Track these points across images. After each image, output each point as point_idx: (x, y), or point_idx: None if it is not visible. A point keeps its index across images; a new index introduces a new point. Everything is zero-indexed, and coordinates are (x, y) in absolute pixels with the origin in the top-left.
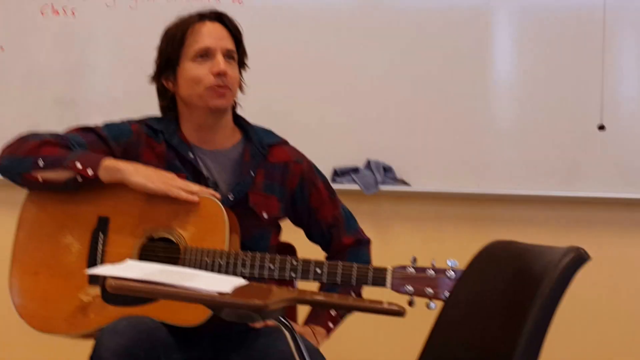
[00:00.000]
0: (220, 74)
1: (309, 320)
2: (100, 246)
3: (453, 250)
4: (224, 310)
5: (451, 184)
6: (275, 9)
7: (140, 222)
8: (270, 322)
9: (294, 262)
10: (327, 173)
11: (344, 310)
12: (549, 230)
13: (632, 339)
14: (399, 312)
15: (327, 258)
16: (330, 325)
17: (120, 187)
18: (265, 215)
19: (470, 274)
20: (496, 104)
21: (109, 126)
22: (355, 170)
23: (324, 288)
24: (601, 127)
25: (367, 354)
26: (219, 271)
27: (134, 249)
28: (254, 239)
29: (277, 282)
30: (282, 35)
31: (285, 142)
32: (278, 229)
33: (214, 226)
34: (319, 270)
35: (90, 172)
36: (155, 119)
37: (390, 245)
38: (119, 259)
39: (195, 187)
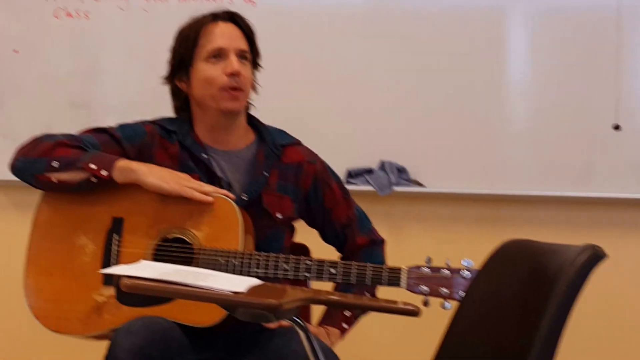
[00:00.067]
0: (233, 75)
1: (323, 321)
2: (114, 247)
3: (467, 251)
4: (238, 310)
5: (465, 184)
6: (288, 10)
7: (154, 223)
8: (285, 323)
9: (308, 262)
10: (341, 174)
11: (359, 310)
12: (563, 230)
13: None
14: (413, 312)
15: (342, 259)
16: (345, 326)
17: (134, 187)
18: (278, 216)
19: (485, 273)
20: (510, 105)
21: (123, 127)
22: (369, 171)
23: (338, 288)
24: (616, 127)
25: (382, 354)
26: (233, 272)
27: (148, 250)
28: (268, 239)
29: (291, 283)
30: (295, 36)
31: (298, 143)
32: (292, 229)
33: (228, 227)
34: (333, 271)
35: (104, 173)
36: (169, 119)
37: (405, 246)
38: (133, 259)
39: (209, 187)
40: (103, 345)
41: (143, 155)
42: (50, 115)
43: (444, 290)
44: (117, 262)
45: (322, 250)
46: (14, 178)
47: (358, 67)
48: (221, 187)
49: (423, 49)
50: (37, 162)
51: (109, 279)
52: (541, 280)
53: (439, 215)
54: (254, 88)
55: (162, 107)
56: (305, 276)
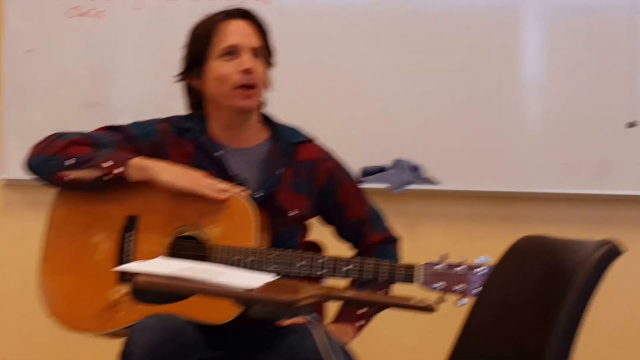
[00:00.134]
0: (246, 72)
1: (338, 319)
2: (129, 245)
3: (482, 249)
4: (253, 306)
5: (480, 182)
6: (302, 9)
7: (169, 221)
8: (299, 320)
9: (323, 259)
10: (356, 172)
11: (374, 307)
12: (579, 228)
13: None
14: (429, 309)
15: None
16: (359, 323)
17: (149, 185)
18: (292, 213)
19: (501, 270)
20: (525, 102)
21: (136, 125)
22: (384, 169)
23: (353, 286)
24: (631, 125)
25: (397, 351)
26: (248, 269)
27: (162, 248)
28: (281, 237)
29: (305, 280)
30: (310, 34)
31: (312, 140)
32: (305, 227)
33: (243, 224)
34: (348, 267)
35: (118, 171)
36: (183, 117)
37: (419, 243)
38: (148, 257)
39: (223, 185)
40: (116, 345)
41: (157, 153)
42: (64, 115)
43: (460, 286)
44: (132, 260)
45: (337, 249)
46: (28, 177)
47: (373, 66)
48: (235, 184)
49: (437, 49)
50: (51, 160)
51: (124, 277)
52: (557, 276)
53: (454, 213)
54: (267, 85)
55: (176, 105)
56: (320, 273)
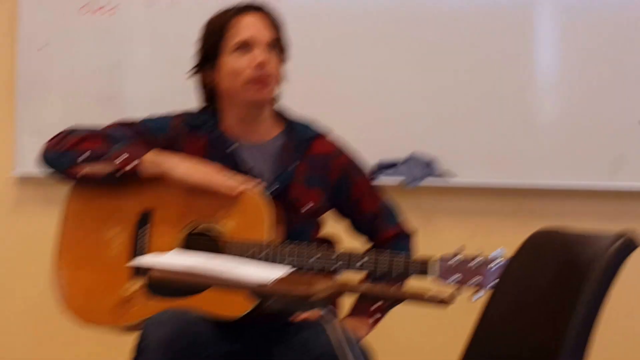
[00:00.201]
0: (260, 66)
1: (352, 313)
2: (143, 239)
3: (497, 243)
4: (268, 299)
5: (494, 176)
6: (318, 4)
7: (183, 215)
8: (313, 314)
9: (338, 253)
10: (370, 167)
11: (388, 301)
12: (593, 222)
13: None
14: (444, 302)
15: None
16: (374, 317)
17: (162, 180)
18: (306, 208)
19: (517, 263)
20: (539, 97)
21: (150, 120)
22: (399, 163)
23: (367, 279)
24: None
25: (412, 345)
26: (263, 262)
27: (176, 242)
28: (296, 231)
29: (320, 274)
30: (326, 29)
31: (326, 134)
32: (320, 222)
33: (256, 218)
34: (363, 261)
35: (132, 165)
36: (196, 112)
37: (434, 238)
38: (162, 251)
39: (237, 179)
40: (131, 339)
41: (171, 148)
42: (78, 110)
43: (475, 280)
44: (146, 254)
45: (352, 243)
46: (42, 172)
47: (387, 60)
48: (249, 179)
49: (453, 46)
50: (65, 155)
51: (139, 271)
52: (573, 269)
53: (469, 208)
54: (281, 79)
55: (189, 101)
56: (334, 267)
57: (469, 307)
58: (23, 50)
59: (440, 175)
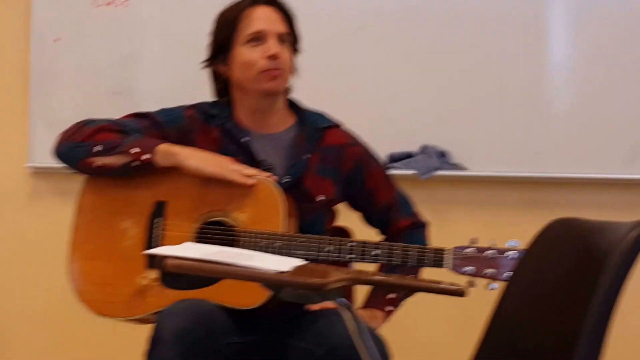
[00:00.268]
0: (272, 57)
1: (367, 304)
2: (157, 230)
3: (511, 235)
4: (282, 290)
5: (508, 167)
6: None
7: (197, 206)
8: (328, 305)
9: (351, 244)
10: (383, 159)
11: (403, 292)
12: (609, 212)
13: None
14: (459, 292)
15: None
16: (388, 308)
17: (176, 171)
18: (320, 199)
19: (532, 253)
20: (553, 87)
21: (163, 112)
22: (411, 155)
23: (382, 270)
24: None
25: (427, 336)
26: (276, 253)
27: (190, 233)
28: (309, 223)
29: (334, 264)
30: (338, 20)
31: (339, 125)
32: (333, 213)
33: (270, 209)
34: (376, 252)
35: (146, 157)
36: (209, 103)
37: (448, 229)
38: (176, 242)
39: (250, 170)
40: (145, 330)
41: (184, 140)
42: (91, 103)
43: (490, 271)
44: (160, 246)
45: (365, 235)
46: (56, 165)
47: (399, 51)
48: (262, 170)
49: (465, 32)
50: (79, 146)
51: (153, 262)
52: (591, 258)
53: (482, 199)
54: (293, 71)
55: (201, 93)
56: (349, 257)
57: (484, 298)
58: (36, 44)
59: (453, 167)
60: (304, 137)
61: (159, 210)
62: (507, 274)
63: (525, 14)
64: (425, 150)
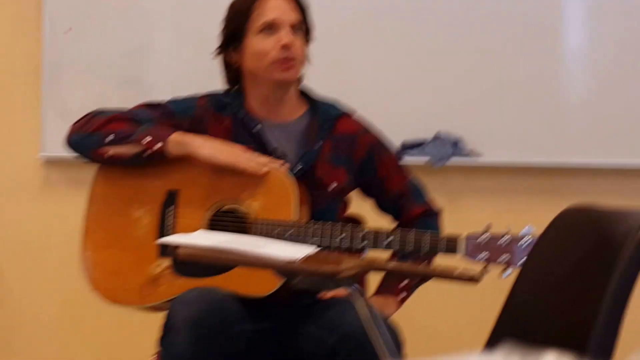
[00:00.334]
0: (285, 47)
1: (379, 291)
2: (169, 219)
3: (525, 222)
4: (296, 277)
5: (522, 155)
6: None
7: (209, 195)
8: (340, 292)
9: (365, 231)
10: (396, 146)
11: (416, 279)
12: (624, 200)
13: None
14: (473, 279)
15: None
16: (401, 295)
17: (189, 160)
18: (332, 187)
19: (547, 240)
20: (568, 74)
21: (175, 101)
22: (424, 143)
23: (395, 258)
24: None
25: (440, 323)
26: (289, 242)
27: (203, 222)
28: (321, 211)
29: (347, 252)
30: (351, 9)
31: (351, 114)
32: (345, 201)
33: (283, 198)
34: (390, 239)
35: (158, 146)
36: (221, 93)
37: (461, 217)
38: (188, 231)
39: (262, 159)
40: (158, 319)
41: (196, 129)
42: (103, 93)
43: (504, 257)
44: (173, 234)
45: (377, 223)
46: (68, 155)
47: (413, 39)
48: (274, 158)
49: (479, 20)
50: (92, 136)
51: (165, 251)
52: (606, 246)
53: (496, 187)
54: (306, 60)
55: (212, 83)
56: (361, 246)
57: (497, 285)
58: (48, 34)
59: (466, 155)
60: (316, 126)
61: (171, 199)
62: (520, 260)
63: (542, 1)
64: (438, 137)
